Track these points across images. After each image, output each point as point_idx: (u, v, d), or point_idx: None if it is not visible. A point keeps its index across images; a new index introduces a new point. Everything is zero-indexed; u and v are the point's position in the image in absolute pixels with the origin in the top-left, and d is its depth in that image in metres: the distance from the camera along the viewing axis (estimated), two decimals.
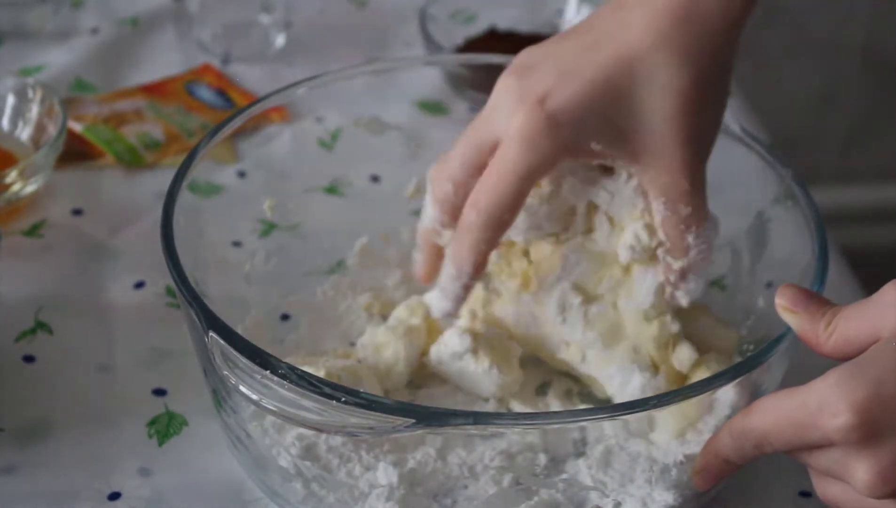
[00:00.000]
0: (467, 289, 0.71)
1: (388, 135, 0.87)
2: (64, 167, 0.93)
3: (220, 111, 1.01)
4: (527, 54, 0.70)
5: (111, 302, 0.83)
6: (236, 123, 0.79)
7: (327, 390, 0.61)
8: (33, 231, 0.88)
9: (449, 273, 0.71)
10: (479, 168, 0.70)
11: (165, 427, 0.75)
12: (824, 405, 0.58)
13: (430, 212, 0.72)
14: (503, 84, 0.69)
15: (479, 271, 0.70)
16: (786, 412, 0.60)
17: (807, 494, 0.72)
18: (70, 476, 0.72)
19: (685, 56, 0.68)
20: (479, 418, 0.65)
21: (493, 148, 0.69)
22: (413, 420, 0.61)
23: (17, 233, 0.88)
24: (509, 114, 0.68)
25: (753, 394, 0.66)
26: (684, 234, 0.69)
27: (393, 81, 0.88)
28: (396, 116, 0.87)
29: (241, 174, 0.87)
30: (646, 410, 0.66)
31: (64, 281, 0.85)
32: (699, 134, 0.69)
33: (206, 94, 1.03)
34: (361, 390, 0.62)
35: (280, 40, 1.09)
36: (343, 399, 0.61)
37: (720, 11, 0.68)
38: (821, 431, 0.58)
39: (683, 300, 0.71)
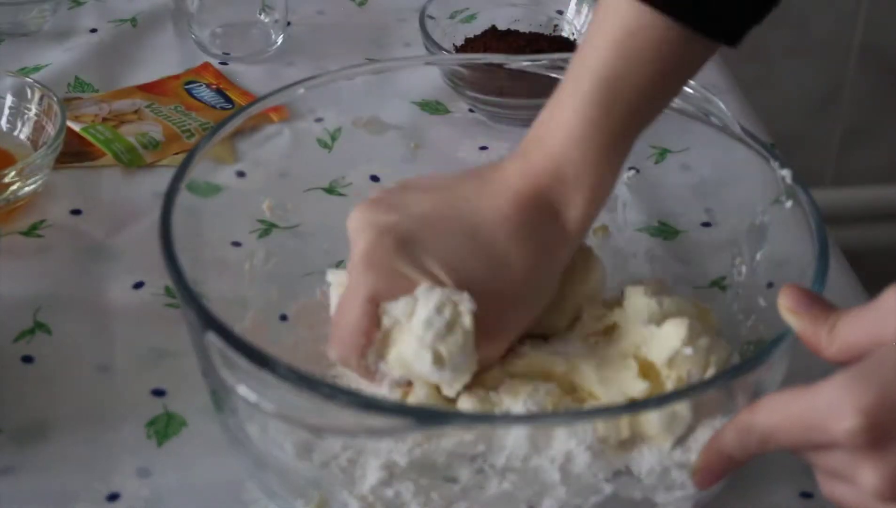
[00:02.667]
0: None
1: (388, 135, 0.87)
2: (63, 167, 0.93)
3: (219, 111, 1.01)
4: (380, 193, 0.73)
5: (110, 302, 0.83)
6: (236, 122, 0.79)
7: (326, 390, 0.61)
8: (32, 231, 0.88)
9: None
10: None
11: (164, 428, 0.75)
12: (832, 408, 0.58)
13: None
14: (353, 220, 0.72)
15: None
16: (793, 412, 0.60)
17: (808, 495, 0.72)
18: (69, 477, 0.71)
19: (531, 241, 0.71)
20: (479, 418, 0.65)
21: None
22: (413, 421, 0.60)
23: (15, 233, 0.88)
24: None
25: (754, 394, 0.66)
26: None
27: (392, 80, 0.87)
28: (396, 116, 0.87)
29: (241, 174, 0.87)
30: (647, 410, 0.66)
31: (63, 281, 0.84)
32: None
33: (205, 93, 1.03)
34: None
35: (279, 40, 1.09)
36: (343, 399, 0.60)
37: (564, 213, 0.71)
38: (828, 434, 0.58)
39: None
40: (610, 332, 0.75)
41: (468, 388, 0.70)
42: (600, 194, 0.72)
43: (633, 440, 0.68)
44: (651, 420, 0.67)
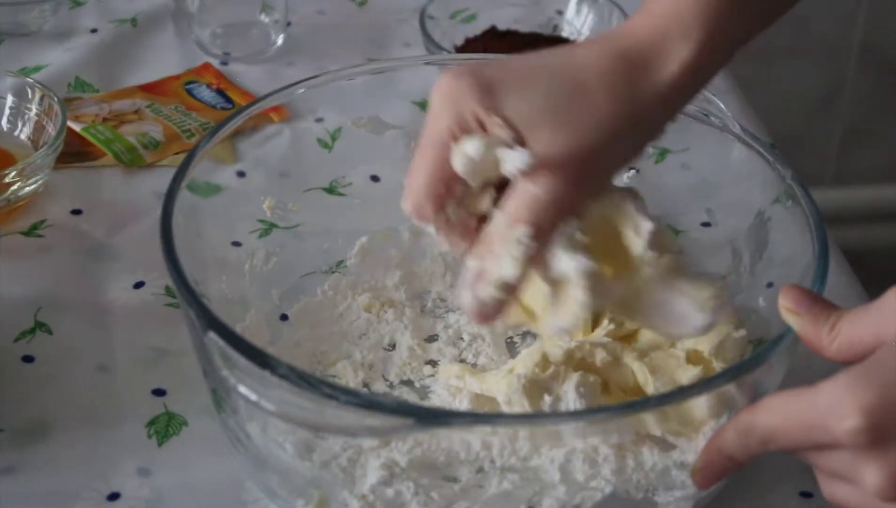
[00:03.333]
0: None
1: (388, 135, 0.87)
2: (63, 167, 0.93)
3: (219, 111, 1.01)
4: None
5: (111, 302, 0.83)
6: (236, 122, 0.79)
7: (327, 390, 0.61)
8: (33, 231, 0.88)
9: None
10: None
11: (165, 428, 0.75)
12: (833, 407, 0.58)
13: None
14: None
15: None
16: (794, 412, 0.60)
17: (808, 494, 0.72)
18: (69, 477, 0.71)
19: (622, 87, 0.66)
20: (479, 418, 0.65)
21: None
22: (413, 420, 0.60)
23: (16, 233, 0.88)
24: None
25: (754, 394, 0.66)
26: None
27: (393, 80, 0.87)
28: (396, 116, 0.87)
29: (241, 174, 0.87)
30: (646, 410, 0.66)
31: (63, 281, 0.84)
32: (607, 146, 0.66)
33: (205, 93, 1.03)
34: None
35: (279, 40, 1.09)
36: (343, 399, 0.61)
37: (662, 66, 0.66)
38: (829, 433, 0.58)
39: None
40: (634, 335, 0.75)
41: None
42: (708, 52, 0.66)
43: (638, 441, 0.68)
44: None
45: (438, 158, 0.67)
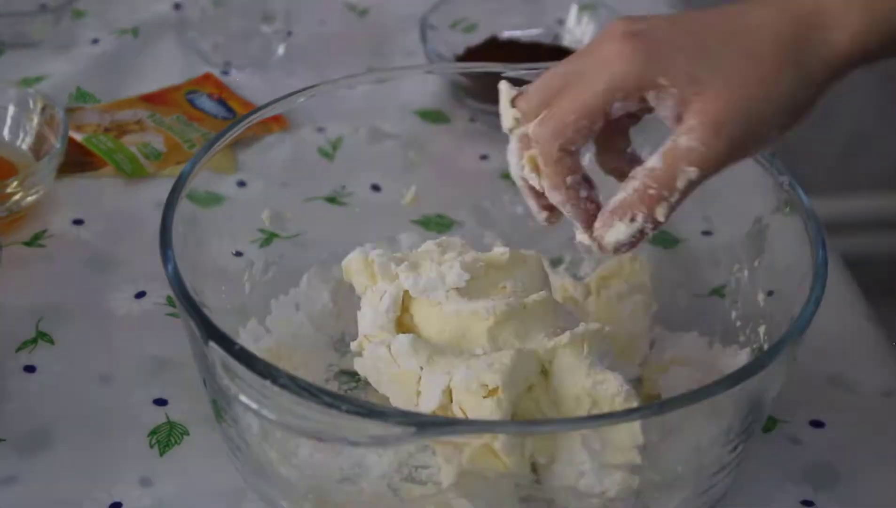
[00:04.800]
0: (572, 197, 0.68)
1: (389, 144, 0.87)
2: (65, 177, 0.93)
3: (220, 121, 1.01)
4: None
5: (112, 312, 0.83)
6: (236, 132, 0.79)
7: (327, 399, 0.61)
8: (34, 241, 0.88)
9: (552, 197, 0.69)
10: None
11: (166, 437, 0.75)
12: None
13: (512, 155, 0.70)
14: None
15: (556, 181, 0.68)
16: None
17: (809, 503, 0.72)
18: (71, 486, 0.72)
19: (795, 50, 0.67)
20: (481, 426, 0.65)
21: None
22: (414, 429, 0.61)
23: (18, 243, 0.88)
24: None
25: (753, 401, 0.66)
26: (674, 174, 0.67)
27: (393, 90, 0.88)
28: (397, 126, 0.88)
29: (242, 184, 0.87)
30: (644, 417, 0.66)
31: (65, 291, 0.85)
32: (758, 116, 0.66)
33: (206, 103, 1.03)
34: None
35: (280, 50, 1.09)
36: (343, 408, 0.61)
37: (832, 40, 0.68)
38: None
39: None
40: None
41: None
42: (877, 19, 0.68)
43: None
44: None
45: (590, 108, 0.66)
